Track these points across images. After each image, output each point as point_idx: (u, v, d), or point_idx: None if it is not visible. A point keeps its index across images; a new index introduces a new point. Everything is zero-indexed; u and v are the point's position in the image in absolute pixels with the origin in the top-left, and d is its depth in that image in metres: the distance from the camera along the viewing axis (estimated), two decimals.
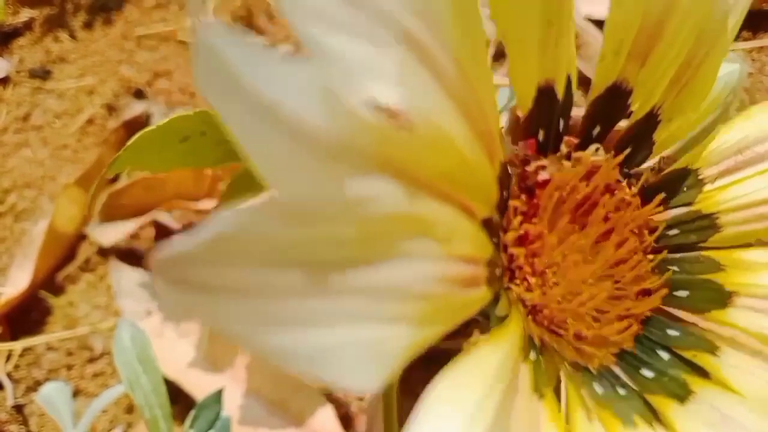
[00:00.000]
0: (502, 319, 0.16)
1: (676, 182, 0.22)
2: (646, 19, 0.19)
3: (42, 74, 0.76)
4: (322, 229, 0.10)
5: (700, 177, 0.22)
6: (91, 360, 0.60)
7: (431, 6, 0.12)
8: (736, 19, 0.21)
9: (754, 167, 0.22)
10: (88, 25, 0.80)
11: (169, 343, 0.56)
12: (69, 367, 0.59)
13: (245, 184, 0.26)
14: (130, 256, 0.66)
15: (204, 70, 0.10)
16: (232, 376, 0.56)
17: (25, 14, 0.81)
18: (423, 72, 0.12)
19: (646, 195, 0.22)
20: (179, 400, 0.52)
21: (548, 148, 0.20)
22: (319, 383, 0.11)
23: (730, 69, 0.24)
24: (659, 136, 0.22)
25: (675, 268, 0.22)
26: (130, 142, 0.30)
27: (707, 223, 0.22)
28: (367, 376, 0.11)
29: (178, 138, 0.26)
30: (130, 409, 0.59)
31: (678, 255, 0.22)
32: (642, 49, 0.19)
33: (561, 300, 0.18)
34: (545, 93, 0.18)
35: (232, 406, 0.56)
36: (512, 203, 0.19)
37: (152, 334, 0.55)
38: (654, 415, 0.18)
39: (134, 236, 0.66)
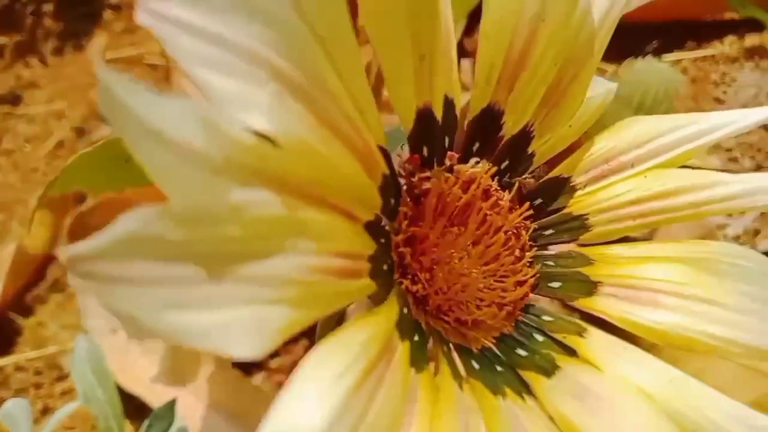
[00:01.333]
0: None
1: (552, 189, 0.26)
2: (511, 52, 0.22)
3: (12, 99, 0.77)
4: (211, 230, 0.13)
5: (572, 184, 0.26)
6: (60, 378, 0.61)
7: (304, 53, 0.15)
8: (601, 41, 0.25)
9: (619, 174, 0.25)
10: (58, 51, 0.82)
11: (133, 359, 0.58)
12: (38, 386, 0.60)
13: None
14: None
15: (105, 107, 0.13)
16: (194, 390, 0.57)
17: None
18: (293, 103, 0.15)
19: (529, 200, 0.25)
20: (143, 414, 0.54)
21: (434, 162, 0.23)
22: (213, 353, 0.13)
23: (607, 87, 0.28)
24: (536, 148, 0.25)
25: (551, 263, 0.25)
26: (67, 164, 0.33)
27: (578, 224, 0.25)
28: (250, 347, 0.13)
29: (121, 158, 0.29)
30: (96, 426, 0.60)
31: (553, 252, 0.25)
32: (509, 77, 0.23)
33: (442, 291, 0.22)
34: (424, 115, 0.22)
35: (193, 418, 0.58)
36: (401, 209, 0.22)
37: (117, 351, 0.56)
38: (525, 388, 0.21)
39: None
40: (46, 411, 0.57)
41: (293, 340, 0.60)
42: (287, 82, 0.15)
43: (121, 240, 0.13)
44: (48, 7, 0.81)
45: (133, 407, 0.46)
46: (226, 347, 0.13)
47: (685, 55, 0.75)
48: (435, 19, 0.20)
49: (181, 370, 0.55)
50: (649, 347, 0.37)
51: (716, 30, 0.77)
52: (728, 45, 0.76)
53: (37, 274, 0.65)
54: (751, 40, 0.75)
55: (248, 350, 0.13)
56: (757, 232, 0.57)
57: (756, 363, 0.43)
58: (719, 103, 0.70)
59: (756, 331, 0.22)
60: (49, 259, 0.67)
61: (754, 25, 0.74)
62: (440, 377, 0.19)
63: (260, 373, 0.60)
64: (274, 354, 0.60)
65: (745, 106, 0.69)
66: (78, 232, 0.66)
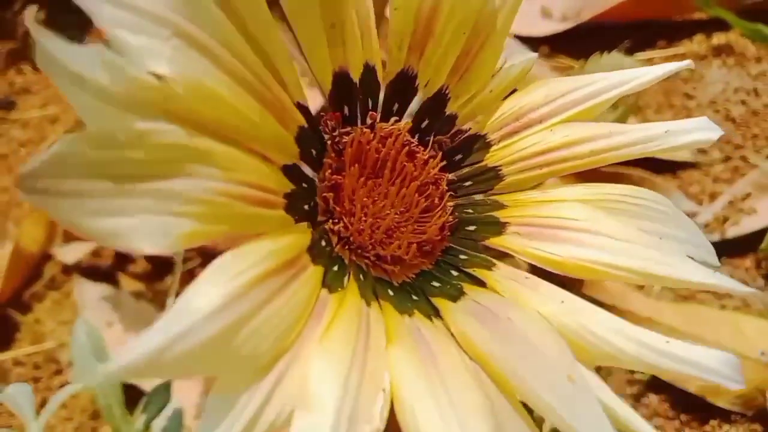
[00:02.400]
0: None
1: (469, 145, 0.29)
2: (418, 21, 0.26)
3: (6, 105, 0.81)
4: (119, 153, 0.17)
5: (487, 140, 0.29)
6: (58, 372, 0.64)
7: (209, 18, 0.19)
8: (505, 18, 0.28)
9: (529, 129, 0.29)
10: None
11: None
12: (36, 380, 0.64)
13: None
14: (93, 272, 0.71)
15: (41, 61, 0.16)
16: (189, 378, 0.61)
17: None
18: (196, 55, 0.18)
19: (449, 156, 0.29)
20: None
21: (357, 121, 0.26)
22: (127, 249, 0.17)
23: (527, 57, 0.31)
24: (458, 111, 0.29)
25: (470, 210, 0.28)
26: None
27: (493, 174, 0.28)
28: (156, 245, 0.17)
29: None
30: (95, 415, 0.63)
31: (473, 201, 0.28)
32: (419, 44, 0.26)
33: (362, 231, 0.25)
34: (341, 77, 0.25)
35: (189, 404, 0.61)
36: (326, 160, 0.25)
37: (114, 343, 0.60)
38: (435, 312, 0.24)
39: (96, 254, 0.72)
40: (44, 403, 0.61)
41: None
42: (189, 39, 0.18)
43: (52, 160, 0.16)
44: (39, 15, 0.86)
45: (129, 396, 0.49)
46: (136, 245, 0.17)
47: (657, 54, 0.78)
48: None
49: None
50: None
51: (686, 29, 0.80)
52: (697, 44, 0.79)
53: (34, 273, 0.69)
54: (719, 38, 0.78)
55: (154, 248, 0.17)
56: (725, 219, 0.60)
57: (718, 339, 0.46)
58: (689, 98, 0.73)
59: (638, 256, 0.24)
60: (45, 258, 0.70)
61: (721, 25, 0.77)
62: (348, 295, 0.22)
63: None
64: None
65: (713, 101, 0.72)
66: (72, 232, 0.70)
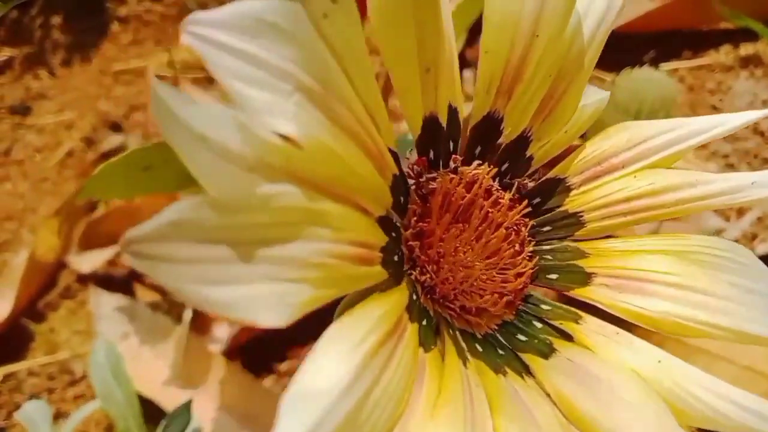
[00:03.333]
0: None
1: (549, 189, 0.28)
2: (509, 66, 0.25)
3: (22, 110, 0.80)
4: (242, 217, 0.16)
5: (567, 184, 0.28)
6: (72, 383, 0.63)
7: (323, 68, 0.18)
8: (591, 56, 0.27)
9: (611, 175, 0.28)
10: (66, 63, 0.85)
11: (145, 364, 0.60)
12: (50, 391, 0.62)
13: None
14: (109, 282, 0.70)
15: (158, 115, 0.15)
16: (205, 392, 0.60)
17: (5, 53, 0.86)
18: (314, 111, 0.17)
19: (528, 200, 0.28)
20: (158, 418, 0.56)
21: (440, 164, 0.25)
22: (242, 322, 0.16)
23: (599, 96, 0.30)
24: (534, 152, 0.28)
25: (549, 257, 0.27)
26: (94, 173, 0.35)
27: (573, 221, 0.27)
28: (274, 316, 0.16)
29: (140, 167, 0.31)
30: (109, 428, 0.62)
31: (551, 246, 0.27)
32: (507, 87, 0.25)
33: (448, 281, 0.24)
34: (430, 122, 0.24)
35: (205, 419, 0.60)
36: (410, 207, 0.24)
37: (130, 356, 0.59)
38: (525, 369, 0.23)
39: (112, 263, 0.70)
40: (59, 415, 0.60)
41: (302, 344, 0.62)
42: (309, 93, 0.17)
43: (167, 224, 0.15)
44: (56, 20, 0.84)
45: (146, 411, 0.48)
46: (254, 317, 0.16)
47: (682, 65, 0.77)
48: (439, 35, 0.22)
49: (192, 374, 0.57)
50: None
51: (712, 39, 0.79)
52: (724, 54, 0.78)
53: (49, 282, 0.68)
54: (746, 49, 0.77)
55: (272, 319, 0.16)
56: (754, 236, 0.59)
57: (755, 364, 0.45)
58: (716, 111, 0.72)
59: (734, 314, 0.23)
60: (60, 267, 0.69)
61: (749, 35, 0.76)
62: (446, 356, 0.21)
63: (270, 377, 0.62)
64: (283, 358, 0.63)
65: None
66: (88, 240, 0.69)
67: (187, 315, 0.60)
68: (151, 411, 0.56)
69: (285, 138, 0.16)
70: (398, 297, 0.20)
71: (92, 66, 0.85)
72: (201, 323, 0.59)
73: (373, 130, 0.20)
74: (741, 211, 0.62)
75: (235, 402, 0.60)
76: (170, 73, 0.80)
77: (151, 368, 0.60)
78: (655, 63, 0.64)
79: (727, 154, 0.67)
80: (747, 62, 0.76)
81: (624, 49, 0.74)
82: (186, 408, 0.50)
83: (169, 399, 0.57)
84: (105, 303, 0.66)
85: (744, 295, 0.25)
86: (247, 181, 0.16)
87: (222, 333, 0.60)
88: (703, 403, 0.22)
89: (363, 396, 0.16)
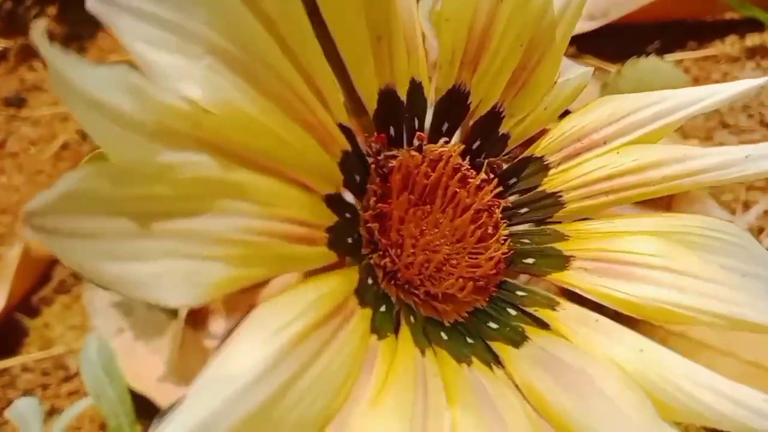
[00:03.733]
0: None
1: (525, 168, 0.26)
2: (472, 34, 0.23)
3: (17, 102, 0.80)
4: (141, 188, 0.14)
5: (545, 162, 0.26)
6: (67, 379, 0.62)
7: (241, 32, 0.16)
8: (564, 29, 0.25)
9: (592, 152, 0.26)
10: None
11: (140, 360, 0.59)
12: (44, 387, 0.62)
13: None
14: None
15: (53, 80, 0.14)
16: None
17: (0, 44, 0.86)
18: (230, 75, 0.16)
19: (503, 180, 0.26)
20: (152, 414, 0.55)
21: (402, 142, 0.24)
22: (147, 301, 0.14)
23: (581, 71, 0.28)
24: (509, 129, 0.26)
25: (526, 240, 0.25)
26: (82, 163, 0.34)
27: (552, 201, 0.25)
28: (182, 297, 0.14)
29: None
30: (104, 425, 0.61)
31: (528, 229, 0.25)
32: (472, 58, 0.23)
33: (411, 265, 0.22)
34: (387, 95, 0.22)
35: None
36: (370, 187, 0.23)
37: (124, 351, 0.58)
38: (495, 359, 0.22)
39: None
40: (53, 411, 0.59)
41: None
42: (224, 56, 0.16)
43: (63, 195, 0.14)
44: (51, 11, 0.84)
45: (141, 408, 0.47)
46: (160, 296, 0.14)
47: (687, 55, 0.74)
48: (389, 2, 0.21)
49: (188, 370, 0.56)
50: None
51: (717, 30, 0.77)
52: (729, 45, 0.75)
53: (43, 276, 0.67)
54: (752, 39, 0.75)
55: (181, 299, 0.14)
56: (761, 230, 0.56)
57: (760, 359, 0.42)
58: None
59: (726, 299, 0.21)
60: (54, 261, 0.68)
61: (755, 25, 0.73)
62: (400, 344, 0.20)
63: None
64: None
65: (747, 105, 0.68)
66: None
67: (183, 310, 0.59)
68: (145, 407, 0.55)
69: (192, 103, 0.15)
70: (343, 280, 0.19)
71: (88, 57, 0.84)
72: (197, 318, 0.58)
73: (314, 101, 0.19)
74: (747, 204, 0.59)
75: None
76: None
77: (146, 364, 0.59)
78: (659, 54, 0.62)
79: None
80: (753, 53, 0.73)
81: (627, 39, 0.71)
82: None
83: (164, 395, 0.56)
84: (100, 298, 0.65)
85: (737, 279, 0.22)
86: (148, 148, 0.14)
87: (218, 328, 0.59)
88: (689, 396, 0.20)
89: (284, 384, 0.15)
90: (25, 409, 0.42)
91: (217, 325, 0.58)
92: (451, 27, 0.23)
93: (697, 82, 0.75)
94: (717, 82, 0.76)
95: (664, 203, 0.51)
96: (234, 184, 0.16)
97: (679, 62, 0.74)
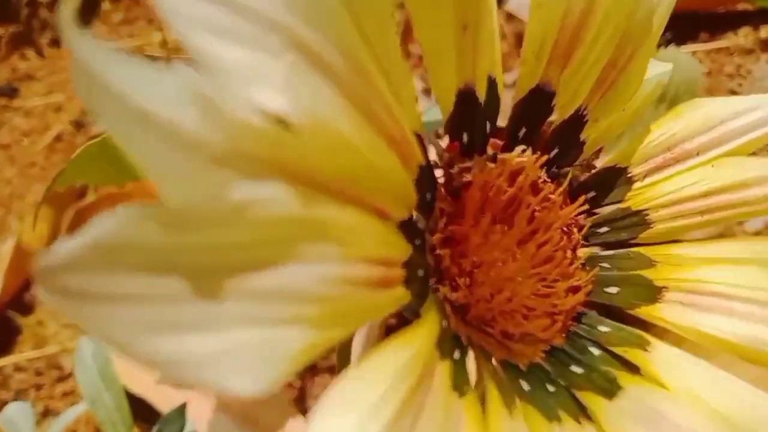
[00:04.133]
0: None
1: (606, 181, 0.23)
2: (566, 23, 0.19)
3: (9, 92, 0.75)
4: (206, 235, 0.11)
5: (629, 175, 0.23)
6: (61, 379, 0.59)
7: (327, 17, 0.13)
8: (660, 19, 0.22)
9: (683, 164, 0.22)
10: (55, 43, 0.80)
11: None
12: (38, 387, 0.58)
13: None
14: None
15: (79, 81, 0.10)
16: (201, 392, 0.55)
17: None
18: (316, 78, 0.12)
19: (578, 194, 0.22)
20: (151, 417, 0.52)
21: (474, 150, 0.20)
22: (208, 388, 0.11)
23: (662, 69, 0.25)
24: (588, 135, 0.22)
25: (606, 265, 0.22)
26: (74, 155, 0.30)
27: (637, 220, 0.22)
28: (256, 379, 0.11)
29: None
30: (100, 429, 0.58)
31: (609, 252, 0.22)
32: (563, 52, 0.20)
33: (485, 299, 0.19)
34: (466, 96, 0.19)
35: (201, 421, 0.56)
36: (438, 205, 0.19)
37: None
38: (582, 411, 0.18)
39: None
40: (47, 413, 0.56)
41: None
42: (310, 54, 0.12)
43: (98, 246, 0.10)
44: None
45: (140, 410, 0.44)
46: (225, 381, 0.10)
47: (699, 48, 0.72)
48: None
49: None
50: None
51: (730, 21, 0.74)
52: (743, 37, 0.73)
53: None
54: (766, 31, 0.72)
55: (252, 384, 0.11)
56: None
57: None
58: (735, 96, 0.67)
59: None
60: None
61: None
62: (488, 403, 0.16)
63: None
64: None
65: None
66: (78, 228, 0.64)
67: None
68: (143, 411, 0.52)
69: (273, 117, 0.11)
70: (427, 330, 0.15)
71: None
72: None
73: (396, 107, 0.15)
74: None
75: (233, 403, 0.56)
76: (162, 54, 0.75)
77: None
78: (671, 45, 0.59)
79: None
80: (767, 45, 0.70)
81: None
82: (180, 412, 0.46)
83: (163, 399, 0.54)
84: None
85: None
86: (213, 180, 0.11)
87: None
88: None
89: None
90: (16, 415, 0.38)
91: (339, 380, 0.55)
92: (542, 15, 0.19)
93: (709, 74, 0.72)
94: (730, 75, 0.73)
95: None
96: (317, 221, 0.12)
97: (692, 54, 0.72)
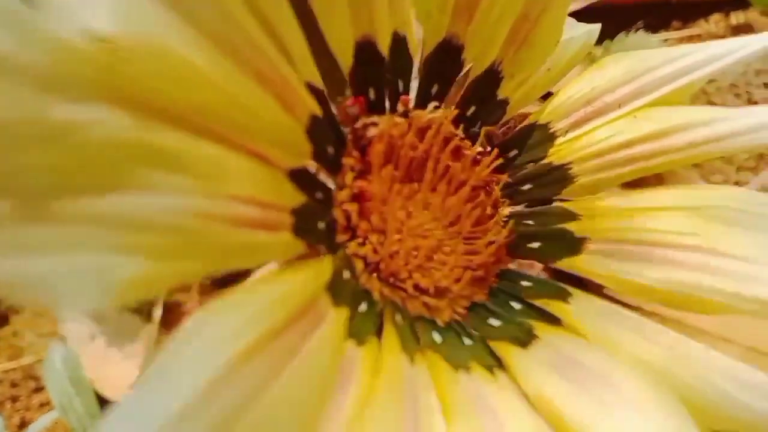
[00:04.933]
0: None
1: (528, 137, 0.22)
2: None
3: None
4: (33, 156, 0.10)
5: (551, 130, 0.22)
6: (37, 390, 0.59)
7: None
8: None
9: (604, 117, 0.22)
10: None
11: (114, 366, 0.56)
12: (14, 399, 0.58)
13: None
14: None
15: None
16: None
17: None
18: (156, 1, 0.12)
19: (502, 151, 0.22)
20: None
21: (385, 108, 0.20)
22: (37, 304, 0.11)
23: (588, 28, 0.25)
24: (509, 95, 0.22)
25: (530, 222, 0.22)
26: None
27: (560, 175, 0.22)
28: (84, 299, 0.11)
29: None
30: None
31: (533, 208, 0.22)
32: (467, 4, 0.20)
33: (397, 254, 0.18)
34: (365, 49, 0.19)
35: None
36: (345, 161, 0.19)
37: (97, 358, 0.54)
38: (498, 362, 0.18)
39: None
40: (23, 425, 0.55)
41: None
42: None
43: None
44: None
45: None
46: (59, 301, 0.10)
47: (672, 35, 0.72)
48: None
49: None
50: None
51: (701, 9, 0.75)
52: (714, 23, 0.73)
53: None
54: (737, 17, 0.73)
55: (83, 303, 0.10)
56: None
57: (759, 344, 0.39)
58: (708, 82, 0.67)
59: None
60: None
61: (740, 3, 0.72)
62: (385, 351, 0.16)
63: None
64: None
65: (734, 84, 0.66)
66: None
67: (157, 313, 0.55)
68: None
69: (99, 39, 0.11)
70: (312, 274, 0.15)
71: None
72: (171, 321, 0.54)
73: (274, 51, 0.15)
74: (738, 184, 0.56)
75: None
76: None
77: (120, 370, 0.55)
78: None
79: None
80: (738, 31, 0.71)
81: (611, 19, 0.69)
82: None
83: None
84: None
85: None
86: (37, 102, 0.10)
87: None
88: (729, 398, 0.17)
89: (229, 414, 0.11)
90: None
91: (193, 314, 0.55)
92: None
93: None
94: None
95: (652, 185, 0.48)
96: (158, 149, 0.12)
97: (663, 42, 0.72)
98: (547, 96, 0.24)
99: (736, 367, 0.18)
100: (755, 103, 0.65)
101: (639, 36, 0.60)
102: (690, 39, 0.72)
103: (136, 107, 0.12)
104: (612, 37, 0.58)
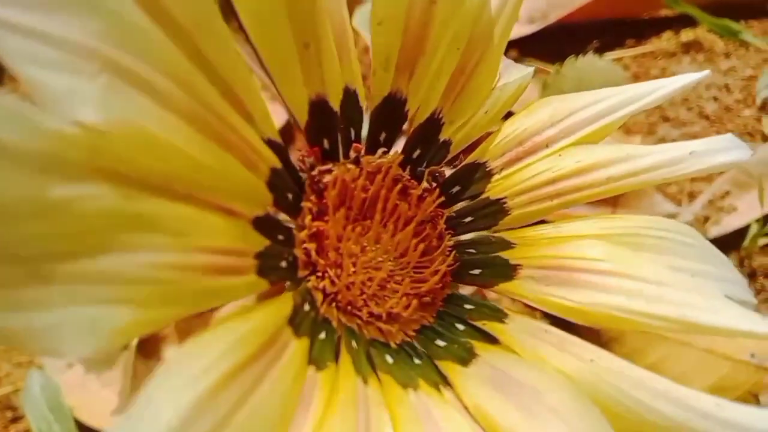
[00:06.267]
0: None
1: (468, 175, 0.25)
2: (407, 37, 0.22)
3: None
4: (34, 227, 0.13)
5: (488, 168, 0.25)
6: (15, 420, 0.59)
7: (145, 45, 0.15)
8: (502, 28, 0.24)
9: (534, 155, 0.25)
10: None
11: (92, 394, 0.57)
12: None
13: None
14: None
15: None
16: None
17: None
18: (131, 93, 0.14)
19: (446, 189, 0.25)
20: None
21: (338, 154, 0.22)
22: (40, 354, 0.13)
23: (522, 73, 0.27)
24: (451, 136, 0.25)
25: (471, 250, 0.24)
26: None
27: (497, 208, 0.24)
28: (81, 346, 0.13)
29: None
30: None
31: (474, 238, 0.24)
32: (407, 63, 0.22)
33: (353, 285, 0.21)
34: (318, 106, 0.21)
35: None
36: (305, 204, 0.21)
37: (75, 386, 0.55)
38: (444, 380, 0.21)
39: None
40: None
41: None
42: (124, 73, 0.14)
43: None
44: None
45: None
46: (58, 349, 0.13)
47: (626, 53, 0.76)
48: (313, 4, 0.20)
49: None
50: (611, 339, 0.37)
51: (654, 27, 0.80)
52: (666, 41, 0.78)
53: None
54: (687, 35, 0.78)
55: (81, 349, 0.13)
56: (706, 219, 0.57)
57: (714, 346, 0.42)
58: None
59: (677, 302, 0.21)
60: None
61: (689, 21, 0.77)
62: (342, 373, 0.18)
63: None
64: None
65: (686, 99, 0.70)
66: None
67: (133, 341, 0.56)
68: None
69: (86, 127, 0.13)
70: (274, 310, 0.17)
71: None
72: (148, 348, 0.56)
73: (233, 115, 0.17)
74: (692, 195, 0.60)
75: None
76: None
77: (98, 398, 0.56)
78: (599, 52, 0.63)
79: (674, 139, 0.65)
80: (688, 47, 0.76)
81: (567, 39, 0.73)
82: None
83: None
84: None
85: (687, 280, 0.22)
86: (37, 183, 0.13)
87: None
88: (642, 405, 0.19)
89: None
90: None
91: (169, 353, 0.56)
92: (383, 31, 0.21)
93: (637, 78, 0.77)
94: (656, 77, 0.77)
95: (611, 200, 0.51)
96: (139, 215, 0.14)
97: (618, 60, 0.76)
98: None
99: (649, 377, 0.20)
100: (706, 116, 0.69)
101: (588, 58, 0.63)
102: (644, 56, 0.76)
103: (120, 181, 0.14)
104: (567, 56, 0.61)
